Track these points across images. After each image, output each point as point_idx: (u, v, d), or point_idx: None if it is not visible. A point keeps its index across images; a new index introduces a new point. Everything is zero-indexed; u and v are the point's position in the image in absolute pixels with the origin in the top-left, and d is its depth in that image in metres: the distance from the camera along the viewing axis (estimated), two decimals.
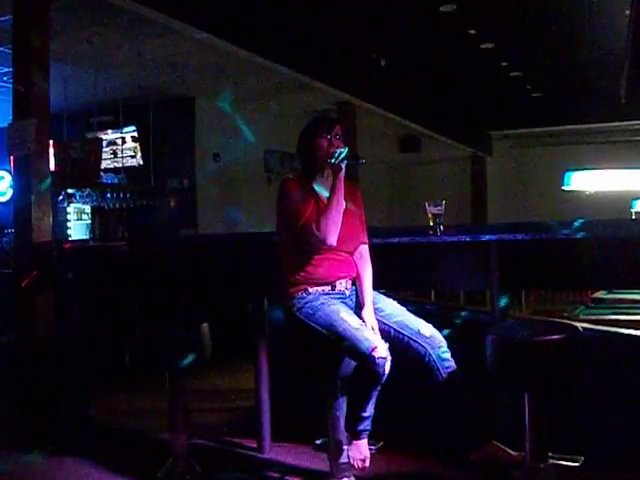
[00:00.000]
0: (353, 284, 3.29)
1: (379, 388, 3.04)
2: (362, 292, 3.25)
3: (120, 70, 8.36)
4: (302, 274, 3.19)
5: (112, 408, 4.89)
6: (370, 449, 3.20)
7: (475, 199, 16.01)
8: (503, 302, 3.50)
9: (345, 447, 3.18)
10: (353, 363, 3.07)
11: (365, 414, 3.14)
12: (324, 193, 3.24)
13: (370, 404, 3.12)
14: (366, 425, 3.17)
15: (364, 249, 3.34)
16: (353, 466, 3.15)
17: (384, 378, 2.95)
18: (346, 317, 3.07)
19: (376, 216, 12.08)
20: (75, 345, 4.61)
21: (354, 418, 3.16)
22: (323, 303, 3.13)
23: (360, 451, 3.16)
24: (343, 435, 3.18)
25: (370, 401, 3.11)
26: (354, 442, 3.17)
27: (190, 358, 3.45)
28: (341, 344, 3.00)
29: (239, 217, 9.88)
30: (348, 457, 3.16)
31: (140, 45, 7.31)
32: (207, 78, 8.99)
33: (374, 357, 2.89)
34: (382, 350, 2.93)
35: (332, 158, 3.17)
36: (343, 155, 3.15)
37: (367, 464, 3.16)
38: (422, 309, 3.61)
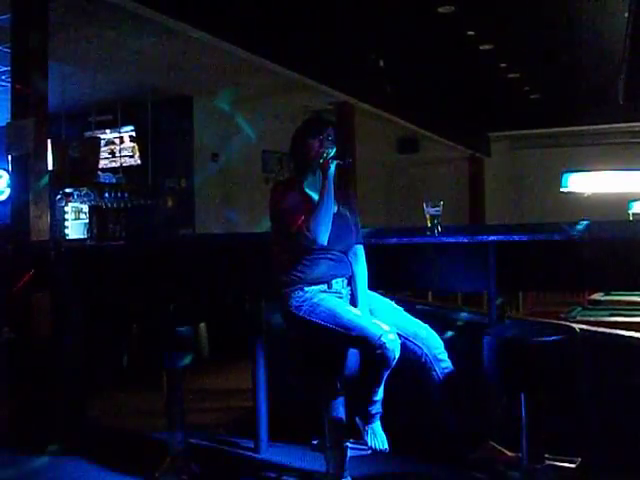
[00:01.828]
0: (349, 284, 3.30)
1: (389, 371, 3.04)
2: (357, 291, 3.27)
3: (118, 70, 8.36)
4: (298, 274, 3.19)
5: (110, 408, 4.89)
6: (367, 449, 3.20)
7: (473, 200, 15.99)
8: (498, 302, 3.51)
9: (350, 445, 3.19)
10: (354, 360, 3.08)
11: (377, 398, 3.15)
12: (315, 194, 3.25)
13: (381, 388, 3.13)
14: (378, 408, 3.18)
15: (358, 249, 3.35)
16: (374, 450, 3.16)
17: (395, 361, 2.96)
18: (349, 308, 3.12)
19: (374, 217, 12.12)
20: (73, 345, 4.61)
21: (366, 403, 3.16)
22: (322, 299, 3.14)
23: (377, 434, 3.17)
24: (341, 434, 3.19)
25: (381, 385, 3.12)
26: (369, 427, 3.18)
27: (188, 358, 3.45)
28: (348, 335, 3.01)
29: (234, 215, 9.90)
30: (366, 442, 3.16)
31: (138, 45, 7.30)
32: (205, 78, 8.98)
33: (383, 342, 2.91)
34: (391, 334, 2.95)
35: (320, 157, 3.19)
36: (330, 155, 3.17)
37: (386, 445, 3.16)
38: (419, 310, 3.62)
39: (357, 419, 3.21)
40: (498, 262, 3.44)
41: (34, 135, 4.60)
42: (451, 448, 3.22)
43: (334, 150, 3.20)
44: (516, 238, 3.43)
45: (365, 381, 3.13)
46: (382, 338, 2.92)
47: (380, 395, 3.16)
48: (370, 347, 2.95)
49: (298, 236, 3.13)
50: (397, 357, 2.95)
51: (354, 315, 3.06)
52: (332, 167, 3.19)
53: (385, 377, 3.07)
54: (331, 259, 3.22)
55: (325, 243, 3.13)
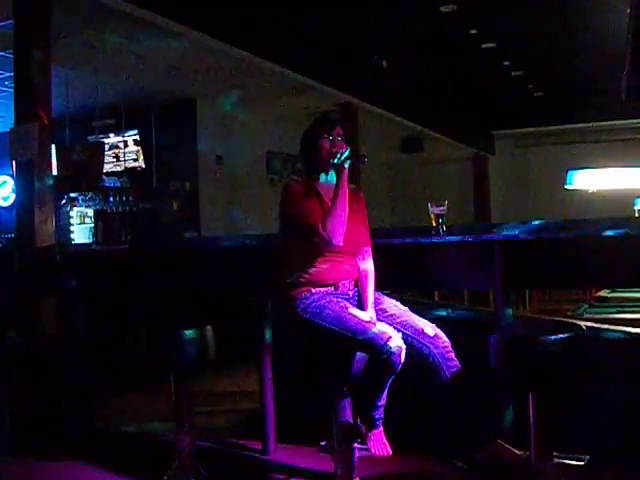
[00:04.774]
0: (356, 285, 3.29)
1: (393, 377, 3.04)
2: (364, 294, 3.25)
3: (122, 74, 8.37)
4: (305, 276, 3.18)
5: (117, 411, 4.89)
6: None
7: (478, 199, 15.99)
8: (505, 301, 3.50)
9: (357, 446, 3.18)
10: (360, 362, 3.07)
11: (380, 403, 3.15)
12: (328, 193, 3.24)
13: (385, 393, 3.13)
14: (381, 413, 3.18)
15: (367, 251, 3.34)
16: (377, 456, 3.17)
17: (400, 367, 2.95)
18: (355, 312, 3.09)
19: (379, 217, 12.10)
20: (79, 348, 4.61)
21: (370, 408, 3.16)
22: (329, 301, 3.13)
23: (380, 440, 3.18)
24: (348, 436, 3.18)
25: (385, 390, 3.12)
26: (373, 433, 3.18)
27: (194, 360, 3.45)
28: (354, 338, 2.99)
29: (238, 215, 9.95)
30: (369, 449, 3.17)
31: (141, 48, 7.32)
32: (209, 81, 8.99)
33: (390, 347, 2.90)
34: (397, 339, 2.94)
35: (335, 159, 3.18)
36: (346, 155, 3.16)
37: (389, 450, 3.16)
38: (426, 309, 3.61)
39: (359, 422, 3.20)
40: (504, 260, 3.44)
41: (38, 140, 4.60)
42: (459, 447, 3.21)
43: (348, 150, 3.20)
44: (522, 236, 3.43)
45: (369, 386, 3.13)
46: (388, 343, 2.90)
47: (384, 400, 3.15)
48: (375, 352, 2.94)
49: (312, 236, 3.12)
50: (402, 363, 2.94)
51: (361, 319, 3.04)
52: (346, 167, 3.18)
53: (389, 382, 3.07)
54: (339, 261, 3.21)
55: (341, 243, 3.12)
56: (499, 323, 3.45)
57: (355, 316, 3.06)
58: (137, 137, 10.06)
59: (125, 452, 4.19)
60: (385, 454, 3.16)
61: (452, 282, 3.89)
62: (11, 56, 4.98)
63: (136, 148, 10.09)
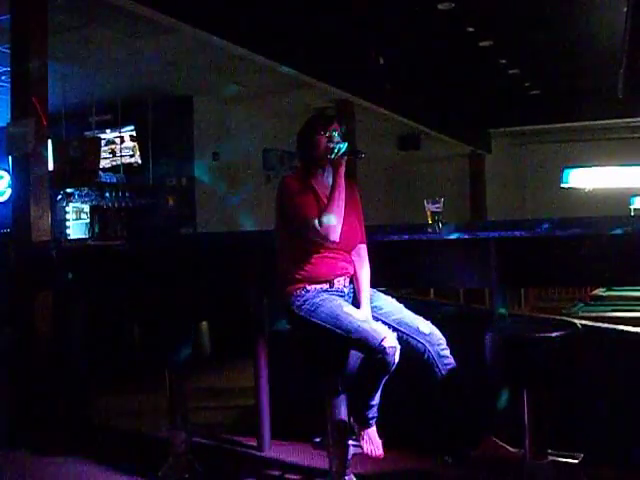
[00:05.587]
0: (351, 282, 3.29)
1: (387, 376, 3.05)
2: (359, 291, 3.26)
3: (118, 69, 8.36)
4: (301, 272, 3.18)
5: (112, 407, 4.89)
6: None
7: (474, 196, 16.00)
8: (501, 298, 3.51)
9: (351, 443, 3.19)
10: (355, 360, 3.08)
11: (374, 402, 3.16)
12: (324, 190, 3.24)
13: (379, 392, 3.14)
14: (375, 412, 3.19)
15: (362, 248, 3.35)
16: (369, 455, 3.18)
17: (394, 367, 2.95)
18: (350, 310, 3.09)
19: (375, 214, 12.09)
20: (74, 344, 4.61)
21: (363, 407, 3.17)
22: (324, 299, 3.13)
23: (372, 439, 3.19)
24: (343, 433, 3.19)
25: (379, 389, 3.13)
26: (365, 432, 3.19)
27: (190, 357, 3.45)
28: (348, 337, 3.00)
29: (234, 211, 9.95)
30: (362, 448, 3.18)
31: (138, 44, 7.30)
32: (206, 77, 8.98)
33: (384, 347, 2.90)
34: (391, 339, 2.94)
35: (331, 154, 3.17)
36: (342, 150, 3.15)
37: (381, 451, 3.17)
38: (421, 307, 3.61)
39: (352, 420, 3.21)
40: (499, 258, 3.44)
41: (34, 135, 4.60)
42: (453, 444, 3.22)
43: (345, 145, 3.19)
44: (517, 234, 3.43)
45: (363, 385, 3.13)
46: (383, 343, 2.90)
47: (377, 399, 3.16)
48: (370, 351, 2.94)
49: (308, 232, 3.12)
50: (396, 362, 2.94)
51: (355, 318, 3.04)
52: (343, 163, 3.17)
53: (383, 382, 3.08)
54: (334, 257, 3.21)
55: (337, 239, 3.11)
56: (494, 321, 3.45)
57: (350, 315, 3.06)
58: (133, 133, 10.05)
59: (120, 448, 4.18)
60: (377, 455, 3.16)
61: (448, 279, 3.89)
62: (8, 51, 4.97)
63: (132, 144, 10.08)
